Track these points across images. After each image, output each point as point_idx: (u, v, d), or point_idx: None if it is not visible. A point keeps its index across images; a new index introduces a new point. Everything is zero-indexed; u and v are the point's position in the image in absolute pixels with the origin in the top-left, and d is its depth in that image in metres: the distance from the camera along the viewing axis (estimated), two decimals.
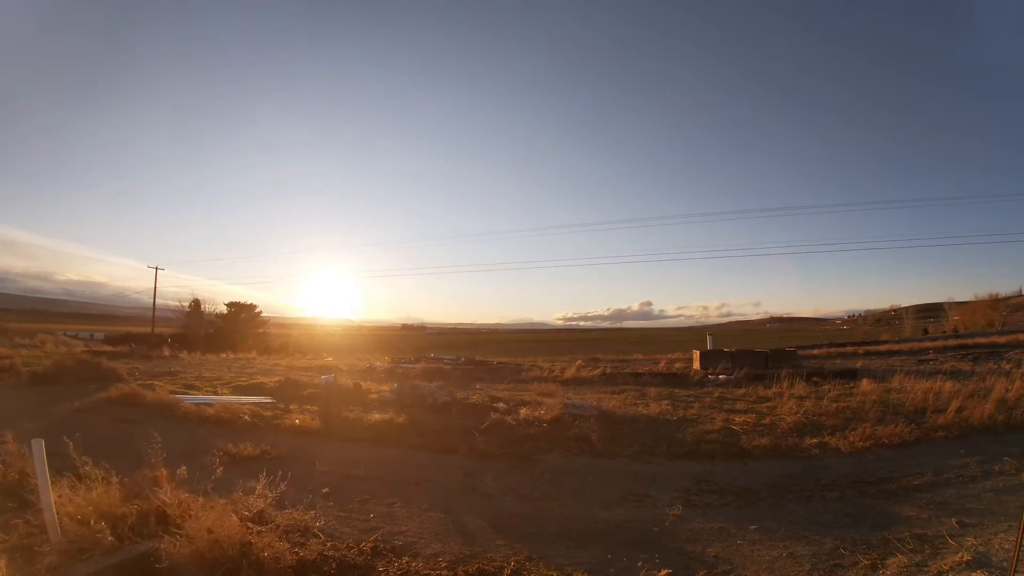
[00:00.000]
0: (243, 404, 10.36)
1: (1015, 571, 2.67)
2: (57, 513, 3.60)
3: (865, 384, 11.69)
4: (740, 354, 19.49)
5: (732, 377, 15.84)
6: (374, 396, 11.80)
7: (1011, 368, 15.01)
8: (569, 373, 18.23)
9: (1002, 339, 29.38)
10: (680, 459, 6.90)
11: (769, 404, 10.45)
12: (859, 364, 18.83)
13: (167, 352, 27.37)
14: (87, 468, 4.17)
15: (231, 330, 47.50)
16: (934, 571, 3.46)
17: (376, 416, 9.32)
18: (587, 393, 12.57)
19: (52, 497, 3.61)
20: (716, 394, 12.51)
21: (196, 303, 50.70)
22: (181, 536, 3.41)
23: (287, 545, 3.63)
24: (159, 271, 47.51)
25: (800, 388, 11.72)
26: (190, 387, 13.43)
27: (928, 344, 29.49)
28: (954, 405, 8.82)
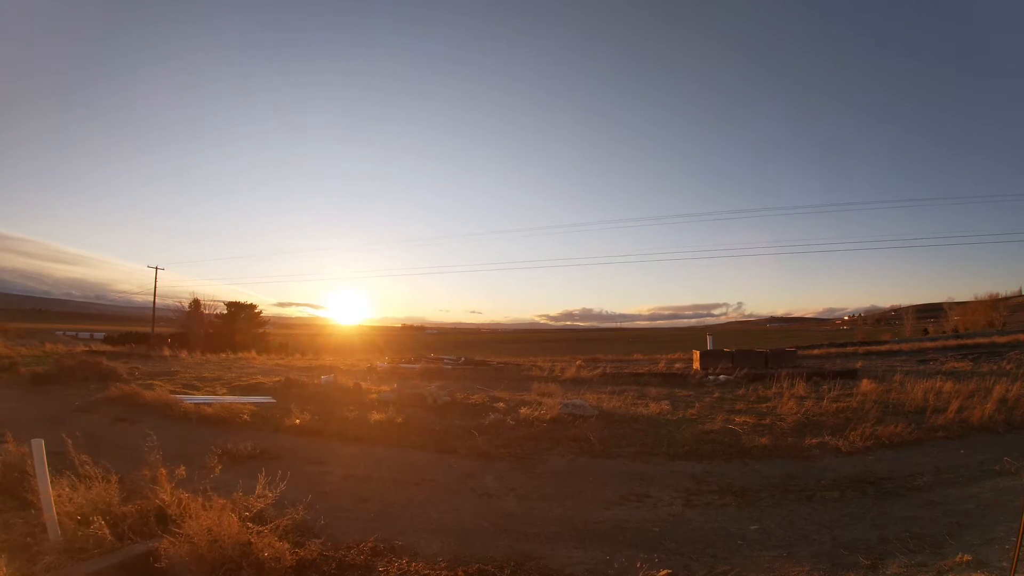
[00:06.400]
0: (243, 404, 10.35)
1: (1015, 571, 2.67)
2: (57, 512, 3.60)
3: (865, 384, 11.69)
4: (740, 354, 19.49)
5: (732, 377, 15.85)
6: (374, 396, 11.80)
7: (1011, 368, 15.02)
8: (569, 373, 18.24)
9: (1002, 339, 29.43)
10: (680, 459, 6.89)
11: (769, 404, 10.44)
12: (859, 364, 18.84)
13: (167, 352, 27.37)
14: (87, 467, 4.16)
15: (231, 330, 47.46)
16: (934, 571, 3.46)
17: (376, 416, 9.31)
18: (587, 393, 12.56)
19: (52, 496, 3.60)
20: (716, 394, 12.51)
21: (196, 303, 50.64)
22: (181, 536, 3.40)
23: (287, 545, 3.62)
24: (159, 271, 47.39)
25: (800, 388, 11.71)
26: (190, 387, 13.42)
27: (928, 344, 29.55)
28: (954, 405, 8.81)
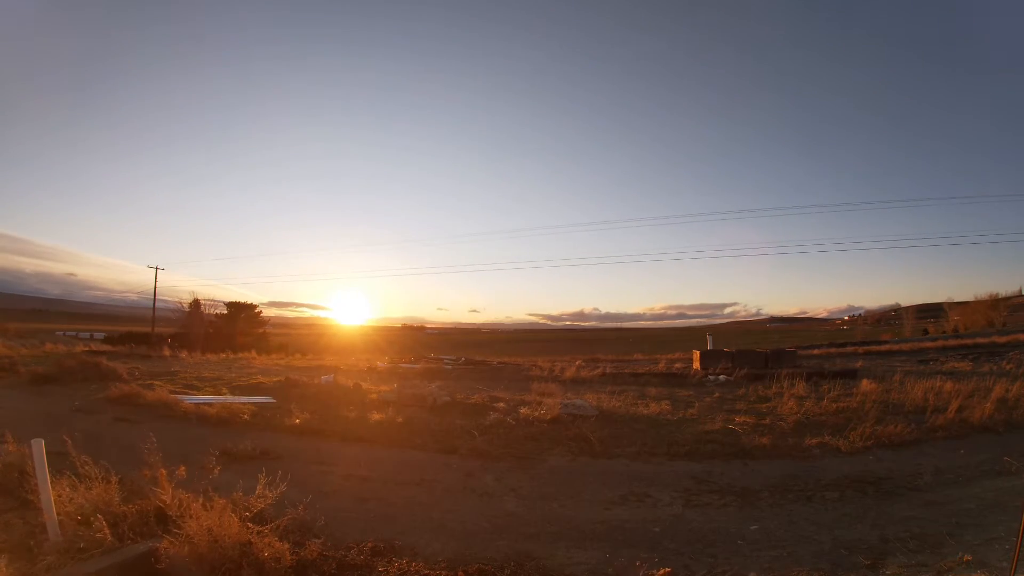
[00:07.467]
0: (243, 404, 10.36)
1: (1015, 571, 2.67)
2: (57, 512, 3.60)
3: (865, 384, 11.69)
4: (740, 354, 19.51)
5: (732, 377, 15.86)
6: (374, 396, 11.81)
7: (1011, 368, 15.04)
8: (569, 373, 18.24)
9: (1002, 339, 29.47)
10: (680, 459, 6.89)
11: (769, 404, 10.44)
12: (859, 364, 18.86)
13: (167, 352, 27.42)
14: (87, 468, 4.16)
15: (231, 330, 47.51)
16: (934, 571, 3.46)
17: (376, 416, 9.32)
18: (587, 393, 12.58)
19: (52, 496, 3.60)
20: (716, 394, 12.51)
21: (196, 303, 50.72)
22: (181, 536, 3.40)
23: (287, 545, 3.62)
24: (159, 271, 47.38)
25: (800, 388, 11.71)
26: (190, 387, 13.43)
27: (928, 344, 29.58)
28: (954, 405, 8.81)
